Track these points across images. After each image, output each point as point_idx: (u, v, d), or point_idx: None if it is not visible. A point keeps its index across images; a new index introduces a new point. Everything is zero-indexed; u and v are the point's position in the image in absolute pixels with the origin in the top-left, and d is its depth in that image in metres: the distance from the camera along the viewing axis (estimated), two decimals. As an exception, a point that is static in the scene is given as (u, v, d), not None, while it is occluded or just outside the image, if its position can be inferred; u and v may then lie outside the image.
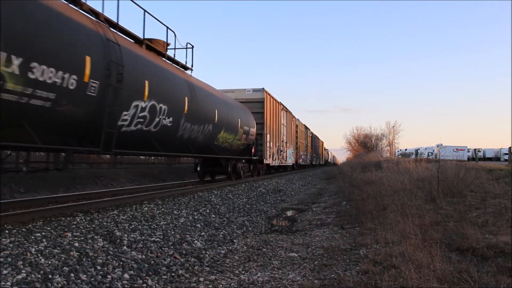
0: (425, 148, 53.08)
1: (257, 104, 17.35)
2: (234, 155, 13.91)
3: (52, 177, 10.84)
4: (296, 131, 28.35)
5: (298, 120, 29.69)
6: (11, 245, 3.93)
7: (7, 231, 4.38)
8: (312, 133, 39.86)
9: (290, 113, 25.18)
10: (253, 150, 15.69)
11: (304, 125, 33.64)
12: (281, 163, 21.98)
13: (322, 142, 55.40)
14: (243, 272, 4.51)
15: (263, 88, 17.53)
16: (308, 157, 35.91)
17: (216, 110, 11.24)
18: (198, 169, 13.91)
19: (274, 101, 19.72)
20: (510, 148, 23.06)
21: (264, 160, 17.42)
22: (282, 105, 21.82)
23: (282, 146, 21.88)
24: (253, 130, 15.19)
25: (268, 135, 17.80)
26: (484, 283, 3.42)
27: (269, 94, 18.26)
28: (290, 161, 25.10)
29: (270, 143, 18.31)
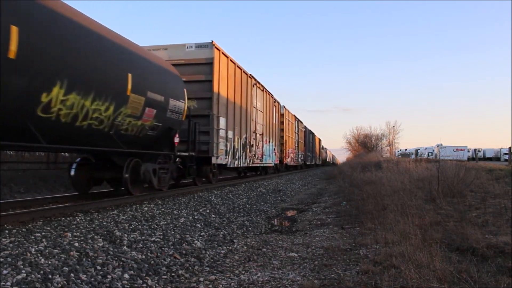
0: (425, 148, 53.18)
1: (202, 67, 11.07)
2: (131, 147, 7.68)
3: (52, 177, 10.83)
4: (282, 122, 22.51)
5: (285, 107, 23.30)
6: (11, 245, 3.93)
7: (7, 231, 4.38)
8: (305, 127, 34.27)
9: (270, 94, 18.81)
10: (176, 141, 9.15)
11: (294, 115, 27.43)
12: (252, 163, 15.26)
13: (319, 139, 50.56)
14: (243, 272, 4.51)
15: (211, 42, 11.08)
16: (299, 156, 30.31)
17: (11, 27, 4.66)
18: (72, 173, 8.03)
19: (236, 67, 13.02)
20: (510, 148, 23.07)
21: (213, 158, 10.88)
22: (254, 79, 15.38)
23: (255, 139, 15.59)
24: (180, 104, 9.02)
25: (222, 119, 11.51)
26: (484, 283, 3.42)
27: (223, 53, 11.63)
28: (269, 160, 18.75)
29: (227, 133, 12.01)
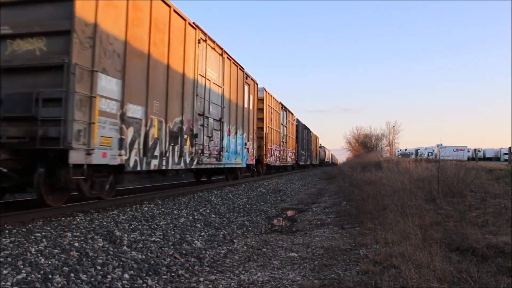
0: (425, 148, 53.23)
1: None
2: None
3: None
4: (261, 109, 17.36)
5: (265, 90, 17.96)
6: (11, 245, 3.93)
7: (7, 231, 4.39)
8: (298, 120, 29.10)
9: (238, 65, 13.01)
10: None
11: (280, 103, 22.01)
12: (198, 163, 9.77)
13: (317, 136, 45.36)
14: (243, 272, 4.51)
15: None
16: (288, 154, 24.80)
17: None
18: None
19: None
20: (510, 148, 23.08)
21: (73, 152, 5.42)
22: (202, 31, 9.88)
23: (204, 126, 10.12)
24: None
25: (108, 80, 6.25)
26: (484, 283, 3.43)
27: None
28: (237, 159, 13.25)
29: (125, 108, 6.68)
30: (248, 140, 14.80)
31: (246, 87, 14.21)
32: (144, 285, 3.84)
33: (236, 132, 13.09)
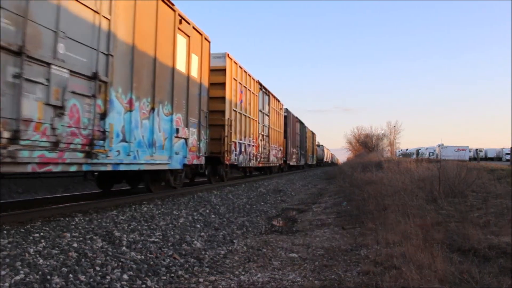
0: (426, 148, 53.36)
1: None
2: None
3: (51, 178, 10.78)
4: (222, 84, 12.14)
5: (228, 55, 12.44)
6: (9, 245, 3.90)
7: (5, 232, 4.36)
8: (287, 110, 24.08)
9: (178, 14, 8.44)
10: None
11: (258, 82, 16.53)
12: (1, 163, 4.16)
13: (313, 133, 40.61)
14: (243, 273, 4.49)
15: None
16: (272, 152, 19.58)
17: None
18: None
19: None
20: None
21: None
22: None
23: (21, 75, 4.42)
24: None
25: None
26: (486, 284, 3.40)
27: None
28: (154, 156, 7.58)
29: None
30: (188, 126, 9.37)
31: (181, 40, 8.96)
32: (144, 285, 3.82)
33: (153, 109, 7.68)
